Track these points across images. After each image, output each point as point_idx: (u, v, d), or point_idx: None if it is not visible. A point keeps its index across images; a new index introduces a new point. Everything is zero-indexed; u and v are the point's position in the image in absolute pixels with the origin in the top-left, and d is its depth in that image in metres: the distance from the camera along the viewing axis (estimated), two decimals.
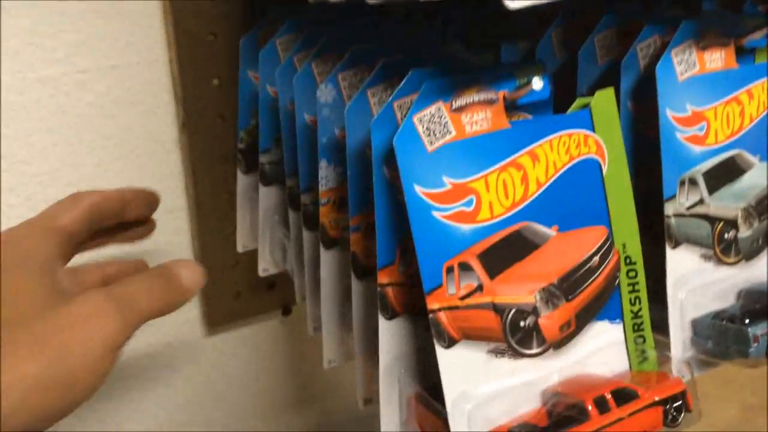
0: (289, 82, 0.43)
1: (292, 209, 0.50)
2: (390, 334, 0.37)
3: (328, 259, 0.43)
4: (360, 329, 0.41)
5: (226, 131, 0.55)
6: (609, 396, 0.34)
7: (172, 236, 0.60)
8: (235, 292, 0.62)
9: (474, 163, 0.34)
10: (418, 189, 0.33)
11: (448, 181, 0.33)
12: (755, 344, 0.39)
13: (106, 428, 0.65)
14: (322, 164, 0.41)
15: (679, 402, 0.35)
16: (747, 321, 0.40)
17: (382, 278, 0.36)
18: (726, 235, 0.42)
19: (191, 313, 0.64)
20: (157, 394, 0.66)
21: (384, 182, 0.34)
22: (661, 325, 0.42)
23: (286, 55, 0.46)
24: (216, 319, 0.63)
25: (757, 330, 0.39)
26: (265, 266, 0.58)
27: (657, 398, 0.35)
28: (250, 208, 0.58)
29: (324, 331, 0.46)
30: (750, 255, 0.43)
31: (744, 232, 0.43)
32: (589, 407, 0.33)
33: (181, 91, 0.53)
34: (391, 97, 0.34)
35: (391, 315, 0.36)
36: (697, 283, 0.42)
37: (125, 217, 0.43)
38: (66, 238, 0.38)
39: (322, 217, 0.42)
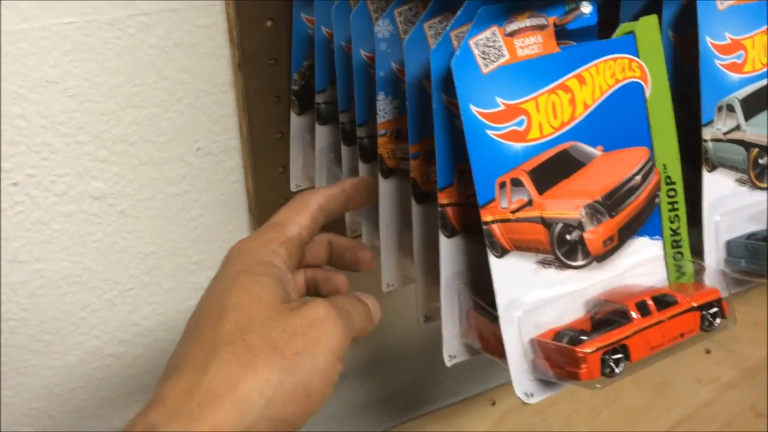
0: (345, 21, 0.46)
1: (345, 144, 0.52)
2: (450, 250, 0.39)
3: (386, 187, 0.46)
4: (421, 251, 0.43)
5: (280, 73, 0.58)
6: (650, 301, 0.37)
7: (226, 175, 0.64)
8: None
9: (525, 85, 0.36)
10: (474, 109, 0.35)
11: (501, 102, 0.36)
12: None
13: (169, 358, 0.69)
14: (380, 97, 0.44)
15: (715, 309, 0.38)
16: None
17: (442, 199, 0.39)
18: (760, 161, 0.44)
19: None
20: None
21: (443, 107, 0.37)
22: (696, 247, 0.44)
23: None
24: None
25: None
26: None
27: (695, 304, 0.37)
28: (303, 148, 0.61)
29: (382, 257, 0.49)
30: None
31: None
32: (632, 311, 0.36)
33: (237, 33, 0.56)
34: (448, 28, 0.36)
35: (451, 233, 0.39)
36: (732, 206, 0.44)
37: (348, 209, 0.44)
38: (295, 247, 0.39)
39: (380, 148, 0.45)
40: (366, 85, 0.45)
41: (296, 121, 0.59)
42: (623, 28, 0.40)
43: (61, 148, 0.56)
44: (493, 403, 0.79)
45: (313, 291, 0.44)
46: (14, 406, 0.64)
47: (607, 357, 0.35)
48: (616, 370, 0.35)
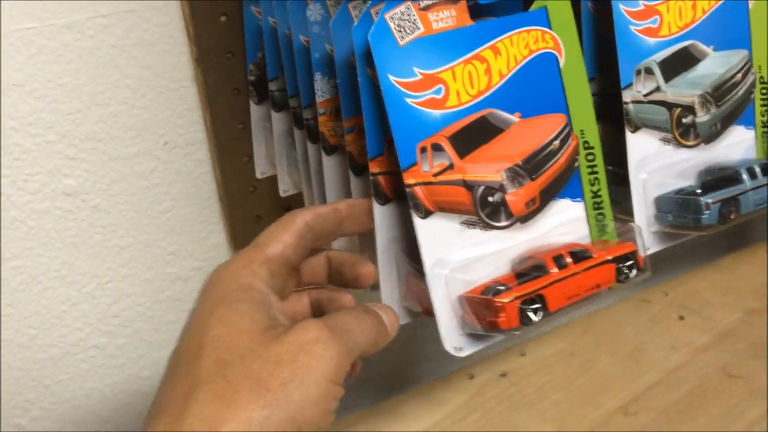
0: (285, 10, 0.48)
1: (297, 128, 0.55)
2: (384, 217, 0.42)
3: (330, 164, 0.49)
4: None
5: (237, 65, 0.61)
6: (567, 255, 0.39)
7: (195, 167, 0.66)
8: (255, 216, 0.68)
9: (441, 56, 0.39)
10: (392, 78, 0.38)
11: (419, 72, 0.38)
12: (707, 211, 0.43)
13: (151, 349, 0.72)
14: (317, 77, 0.46)
15: (630, 261, 0.40)
16: (700, 191, 0.44)
17: (374, 167, 0.41)
18: (684, 120, 0.47)
19: (218, 238, 0.70)
20: None
21: (367, 80, 0.39)
22: (627, 206, 0.47)
23: None
24: (240, 243, 0.69)
25: (709, 198, 0.43)
26: (285, 187, 0.63)
27: (610, 257, 0.39)
28: (265, 136, 0.63)
29: None
30: (709, 138, 0.48)
31: (702, 117, 0.47)
32: (549, 264, 0.38)
33: (193, 29, 0.59)
34: (368, 5, 0.39)
35: (384, 200, 0.42)
36: (658, 165, 0.46)
37: (343, 232, 0.41)
38: (278, 266, 0.36)
39: (321, 126, 0.48)
40: (306, 68, 0.48)
41: (256, 111, 0.62)
42: (537, 3, 0.42)
43: (32, 148, 0.59)
44: (471, 377, 0.81)
45: (319, 313, 0.41)
46: (6, 398, 0.67)
47: (524, 306, 0.37)
48: (534, 319, 0.37)
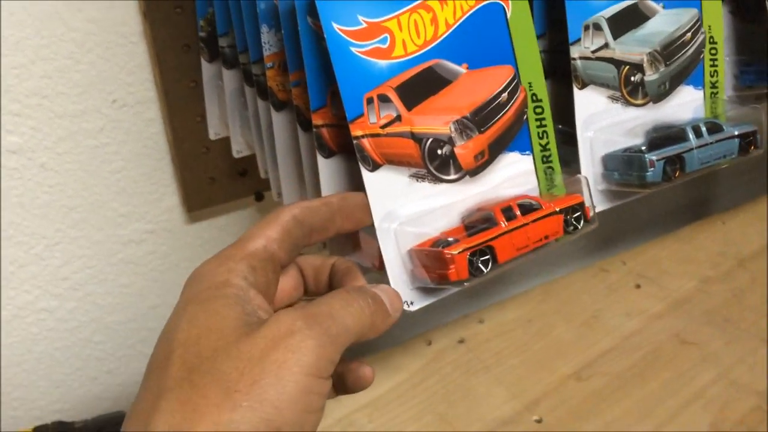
0: None
1: (248, 85, 0.54)
2: (329, 170, 0.41)
3: (279, 120, 0.48)
4: (310, 176, 0.45)
5: (186, 20, 0.59)
6: (515, 207, 0.39)
7: (145, 126, 0.65)
8: (209, 178, 0.67)
9: (386, 5, 0.38)
10: (336, 26, 0.37)
11: (363, 20, 0.38)
12: (651, 168, 0.43)
13: (103, 312, 0.71)
14: (264, 30, 0.45)
15: (578, 213, 0.40)
16: (644, 149, 0.44)
17: (317, 120, 0.40)
18: (632, 78, 0.46)
19: (171, 200, 0.69)
20: (146, 278, 0.72)
21: (309, 31, 0.39)
22: (577, 167, 0.47)
23: None
24: (194, 205, 0.68)
25: (653, 156, 0.44)
26: (238, 148, 0.62)
27: (557, 208, 0.39)
28: (218, 95, 0.62)
29: (282, 188, 0.51)
30: (658, 97, 0.48)
31: (651, 76, 0.47)
32: (497, 216, 0.38)
33: None
34: None
35: (328, 153, 0.41)
36: (606, 122, 0.46)
37: (337, 228, 0.38)
38: (260, 261, 0.34)
39: (269, 81, 0.47)
40: (253, 20, 0.47)
41: (207, 69, 0.61)
42: None
43: None
44: (429, 343, 0.81)
45: None
46: None
47: (473, 258, 0.37)
48: (484, 270, 0.37)
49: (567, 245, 1.03)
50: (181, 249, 0.72)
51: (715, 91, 0.49)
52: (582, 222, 0.40)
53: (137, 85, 0.63)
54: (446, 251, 0.36)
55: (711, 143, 0.45)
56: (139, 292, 0.72)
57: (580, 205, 0.40)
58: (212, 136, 0.64)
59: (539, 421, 0.70)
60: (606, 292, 0.88)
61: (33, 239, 0.64)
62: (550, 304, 0.86)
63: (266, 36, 0.45)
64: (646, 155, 0.44)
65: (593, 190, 0.46)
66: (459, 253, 0.36)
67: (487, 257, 0.37)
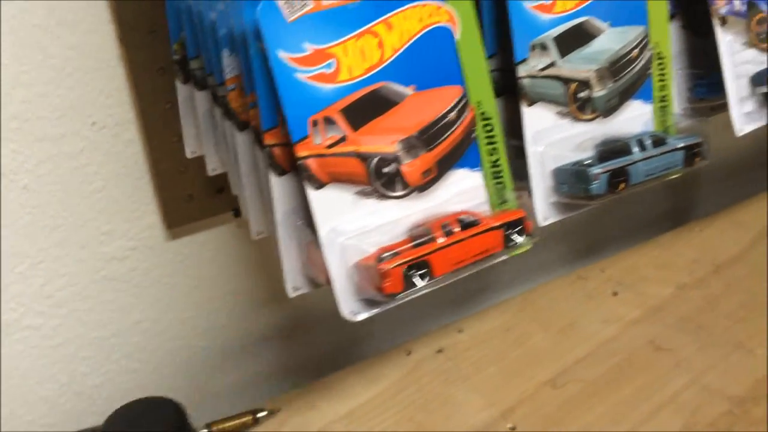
0: None
1: (217, 106, 0.56)
2: (281, 188, 0.43)
3: (241, 140, 0.50)
4: (267, 195, 0.47)
5: (161, 44, 0.61)
6: (454, 222, 0.41)
7: (125, 147, 0.67)
8: (188, 195, 0.69)
9: (332, 31, 0.40)
10: (282, 54, 0.39)
11: (309, 47, 0.40)
12: (596, 182, 0.45)
13: (87, 329, 0.73)
14: (224, 54, 0.47)
15: (519, 227, 0.42)
16: (589, 163, 0.46)
17: (269, 139, 0.42)
18: (580, 94, 0.48)
19: (152, 218, 0.71)
20: (129, 294, 0.74)
21: (259, 55, 0.41)
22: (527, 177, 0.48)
23: None
24: (173, 222, 0.70)
25: (597, 169, 0.45)
26: (213, 166, 0.64)
27: (496, 224, 0.41)
28: (192, 115, 0.64)
29: (249, 207, 0.52)
30: (607, 112, 0.50)
31: (599, 92, 0.49)
32: (435, 231, 0.40)
33: (116, 8, 0.59)
34: None
35: (280, 172, 0.43)
36: (556, 137, 0.48)
37: None
38: None
39: (231, 102, 0.49)
40: (216, 46, 0.49)
41: (182, 90, 0.63)
42: None
43: None
44: (409, 353, 0.83)
45: None
46: None
47: (409, 272, 0.38)
48: (419, 284, 0.39)
49: (547, 254, 1.04)
50: (163, 265, 0.74)
51: (664, 104, 0.51)
52: (523, 236, 0.42)
53: (116, 107, 0.65)
54: (381, 265, 0.38)
55: (655, 155, 0.47)
56: (122, 308, 0.74)
57: (521, 220, 0.42)
58: (189, 154, 0.66)
59: (513, 429, 0.71)
60: (584, 299, 0.90)
61: (17, 259, 0.66)
62: (528, 313, 0.88)
63: (227, 60, 0.47)
64: (590, 169, 0.45)
65: (545, 203, 0.48)
66: (393, 267, 0.38)
67: (423, 271, 0.39)
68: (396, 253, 0.39)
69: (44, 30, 0.59)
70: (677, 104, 0.55)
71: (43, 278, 0.68)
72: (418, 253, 0.39)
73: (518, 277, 0.98)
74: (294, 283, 0.45)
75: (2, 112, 0.60)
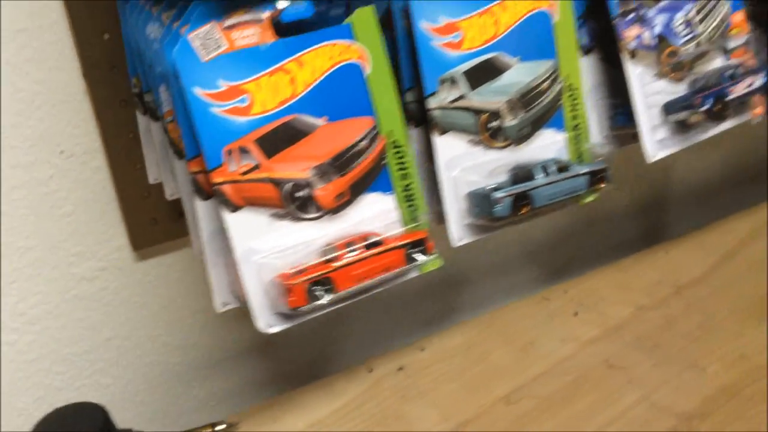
0: (139, 28, 0.54)
1: (165, 135, 0.60)
2: (205, 212, 0.47)
3: (179, 168, 0.54)
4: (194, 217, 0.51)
5: (121, 79, 0.66)
6: (359, 242, 0.44)
7: (93, 174, 0.71)
8: (152, 219, 0.74)
9: (245, 69, 0.44)
10: (198, 90, 0.43)
11: (223, 84, 0.44)
12: (499, 205, 0.49)
13: (60, 345, 0.77)
14: (161, 89, 0.51)
15: (420, 247, 0.45)
16: (494, 187, 0.49)
17: (193, 167, 0.46)
18: (491, 124, 0.52)
19: (120, 240, 0.75)
20: (100, 313, 0.78)
21: (179, 91, 0.45)
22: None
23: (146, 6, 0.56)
24: (139, 244, 0.74)
25: (500, 194, 0.49)
26: (171, 191, 0.68)
27: (398, 243, 0.45)
28: (152, 143, 0.68)
29: (191, 228, 0.56)
30: (519, 140, 0.53)
31: (510, 122, 0.52)
32: (339, 249, 0.44)
33: (78, 46, 0.64)
34: (177, 26, 0.44)
35: (205, 197, 0.47)
36: (469, 164, 0.52)
37: None
38: None
39: (171, 133, 0.53)
40: (156, 81, 0.53)
41: (142, 121, 0.67)
42: (347, 19, 0.47)
43: None
44: (371, 371, 0.86)
45: None
46: None
47: (313, 287, 0.42)
48: (323, 298, 0.42)
49: (517, 277, 1.07)
50: (132, 285, 0.78)
51: (577, 133, 0.55)
52: (424, 255, 0.45)
53: (83, 137, 0.70)
54: (286, 282, 0.42)
55: (558, 180, 0.50)
56: (93, 326, 0.78)
57: (422, 241, 0.46)
58: (151, 180, 0.70)
59: None
60: (545, 319, 0.92)
61: None
62: (490, 331, 0.91)
63: (163, 95, 0.51)
64: (494, 193, 0.49)
65: (459, 224, 0.52)
66: (297, 283, 0.42)
67: (327, 287, 0.42)
68: (301, 270, 0.43)
69: (13, 66, 0.64)
70: (599, 132, 0.59)
71: (16, 296, 0.73)
72: (321, 270, 0.42)
73: (487, 299, 1.01)
74: (222, 299, 0.49)
75: None
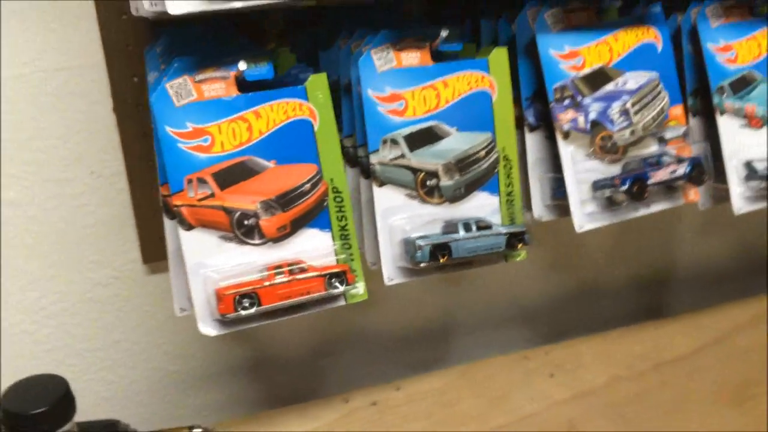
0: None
1: None
2: (171, 229, 0.56)
3: None
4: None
5: (145, 115, 0.77)
6: (286, 267, 0.52)
7: (117, 194, 0.83)
8: (159, 237, 0.84)
9: (210, 116, 0.54)
10: (168, 129, 0.53)
11: (191, 125, 0.53)
12: (419, 251, 0.56)
13: (74, 340, 0.88)
14: None
15: (340, 278, 0.53)
16: (420, 236, 0.57)
17: (163, 191, 0.56)
18: (428, 183, 0.60)
19: (134, 254, 0.86)
20: (111, 316, 0.88)
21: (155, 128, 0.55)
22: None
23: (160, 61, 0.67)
24: (148, 258, 0.85)
25: (422, 242, 0.56)
26: None
27: (319, 272, 0.53)
28: None
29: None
30: (454, 199, 0.61)
31: (446, 182, 0.60)
32: (269, 271, 0.52)
33: (111, 86, 0.76)
34: (165, 80, 0.54)
35: (171, 216, 0.56)
36: (405, 214, 0.59)
37: None
38: None
39: None
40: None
41: None
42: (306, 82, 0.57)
43: None
44: (347, 401, 0.92)
45: None
46: None
47: (241, 299, 0.50)
48: (248, 310, 0.51)
49: (503, 334, 1.12)
50: (142, 295, 0.88)
51: (510, 198, 0.62)
52: (344, 284, 0.53)
53: (111, 161, 0.81)
54: (219, 291, 0.50)
55: (477, 237, 0.57)
56: (105, 327, 0.88)
57: (342, 273, 0.54)
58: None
59: None
60: (521, 377, 0.97)
61: (19, 273, 0.82)
62: (466, 381, 0.96)
63: None
64: (417, 241, 0.56)
65: (392, 266, 0.59)
66: (227, 294, 0.50)
67: (252, 300, 0.51)
68: (234, 284, 0.52)
69: (57, 98, 0.77)
70: (540, 201, 0.65)
71: (39, 293, 0.84)
72: (248, 285, 0.51)
73: (473, 352, 1.06)
74: (180, 305, 0.58)
75: (20, 158, 0.78)
